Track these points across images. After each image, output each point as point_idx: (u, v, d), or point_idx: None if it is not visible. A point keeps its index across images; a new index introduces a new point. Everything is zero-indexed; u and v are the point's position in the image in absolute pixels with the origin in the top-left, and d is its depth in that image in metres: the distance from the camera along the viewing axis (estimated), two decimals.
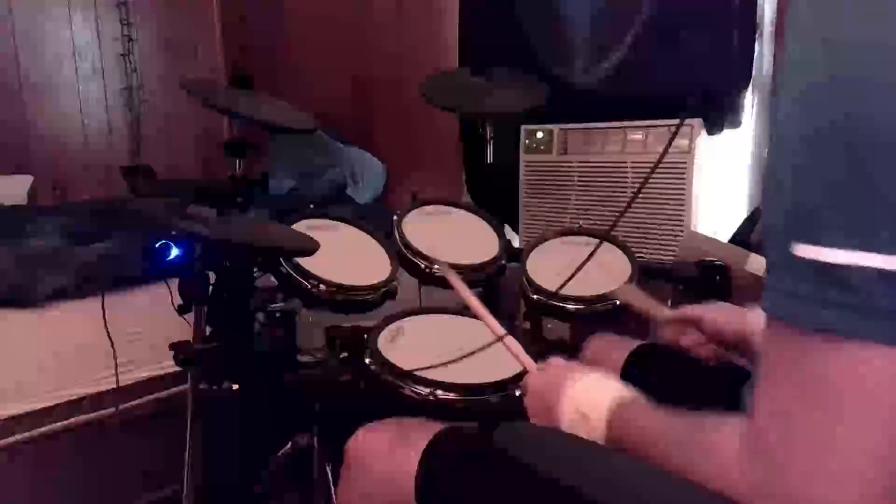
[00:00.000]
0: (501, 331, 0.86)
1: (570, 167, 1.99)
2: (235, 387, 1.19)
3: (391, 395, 0.99)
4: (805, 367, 0.42)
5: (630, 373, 0.94)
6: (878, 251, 0.38)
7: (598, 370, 0.74)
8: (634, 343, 1.01)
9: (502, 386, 0.99)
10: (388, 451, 0.79)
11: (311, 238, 1.18)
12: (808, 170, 0.41)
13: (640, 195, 1.75)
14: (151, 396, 1.61)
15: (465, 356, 1.00)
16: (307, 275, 1.15)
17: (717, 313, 0.90)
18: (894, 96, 0.38)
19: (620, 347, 1.01)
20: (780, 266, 0.43)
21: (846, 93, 0.40)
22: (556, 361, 0.80)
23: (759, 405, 0.45)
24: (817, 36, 0.41)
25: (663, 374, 0.95)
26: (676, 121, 1.72)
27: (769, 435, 0.44)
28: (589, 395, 0.70)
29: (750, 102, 1.88)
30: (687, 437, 0.55)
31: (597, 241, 1.45)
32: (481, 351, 1.00)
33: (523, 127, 2.06)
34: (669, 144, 0.75)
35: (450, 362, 1.00)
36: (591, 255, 0.69)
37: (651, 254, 1.87)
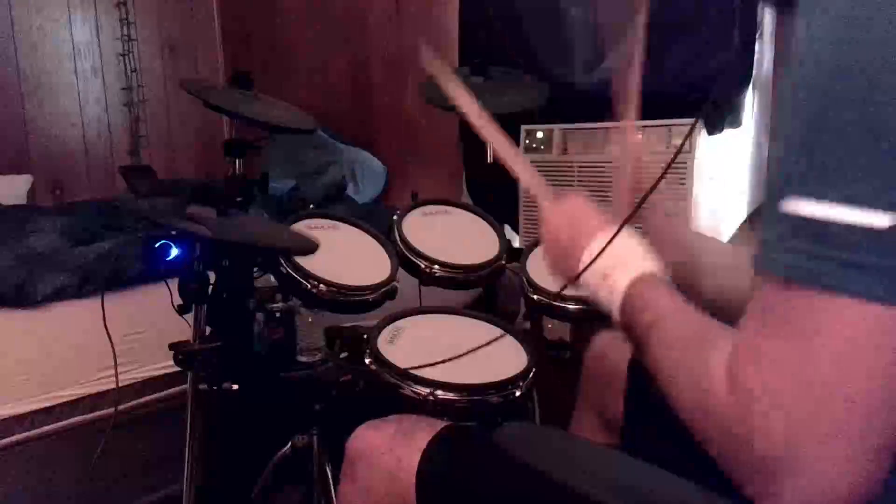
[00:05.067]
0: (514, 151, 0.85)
1: (570, 167, 1.98)
2: (235, 387, 1.19)
3: (391, 395, 0.99)
4: (790, 318, 0.42)
5: (634, 372, 0.94)
6: (872, 207, 0.39)
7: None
8: None
9: (503, 386, 0.99)
10: (390, 448, 0.79)
11: (311, 238, 1.18)
12: (816, 124, 0.41)
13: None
14: (151, 396, 1.60)
15: (462, 354, 1.00)
16: (307, 275, 1.15)
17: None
18: None
19: (624, 348, 1.00)
20: (774, 221, 0.43)
21: (871, 37, 0.40)
22: (577, 198, 0.79)
23: (742, 350, 0.45)
24: None
25: None
26: (677, 121, 1.72)
27: (750, 378, 0.44)
28: (615, 259, 0.68)
29: (750, 102, 1.89)
30: (690, 342, 0.54)
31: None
32: (480, 349, 1.00)
33: (523, 127, 2.05)
34: (684, 143, 0.75)
35: (448, 360, 1.00)
36: (598, 255, 0.68)
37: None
